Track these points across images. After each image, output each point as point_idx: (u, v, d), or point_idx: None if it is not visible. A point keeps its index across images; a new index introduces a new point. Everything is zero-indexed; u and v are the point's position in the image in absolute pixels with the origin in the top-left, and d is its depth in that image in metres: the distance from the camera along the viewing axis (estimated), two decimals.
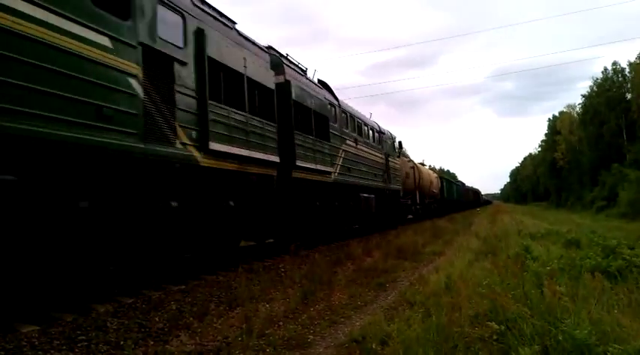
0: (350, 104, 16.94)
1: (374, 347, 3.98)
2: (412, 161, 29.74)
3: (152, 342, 4.54)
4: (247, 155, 8.60)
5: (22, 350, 4.14)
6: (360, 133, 16.50)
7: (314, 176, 11.74)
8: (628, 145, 52.37)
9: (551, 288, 4.32)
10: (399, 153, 23.24)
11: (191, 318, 5.31)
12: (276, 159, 9.72)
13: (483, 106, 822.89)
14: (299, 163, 10.75)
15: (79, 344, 4.34)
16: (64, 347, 4.25)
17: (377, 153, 18.41)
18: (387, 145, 20.40)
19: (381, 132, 19.71)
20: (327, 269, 8.18)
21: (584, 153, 64.17)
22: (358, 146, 15.88)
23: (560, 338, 3.28)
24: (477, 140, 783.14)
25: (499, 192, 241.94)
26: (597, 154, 57.91)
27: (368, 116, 19.03)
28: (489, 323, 4.00)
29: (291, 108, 10.72)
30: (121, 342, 4.43)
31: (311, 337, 4.77)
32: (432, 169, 39.96)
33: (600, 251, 7.06)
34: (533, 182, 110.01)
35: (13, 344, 4.24)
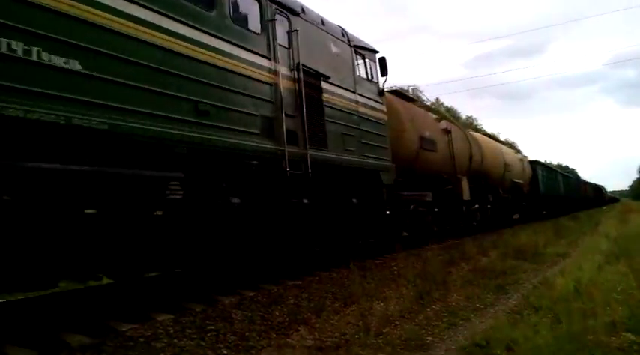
0: None
1: (499, 352, 3.80)
2: (449, 119, 17.31)
3: (274, 335, 4.72)
4: None
5: (159, 337, 4.49)
6: None
7: None
8: None
9: None
10: (382, 87, 10.67)
11: (309, 313, 5.43)
12: None
13: (602, 96, 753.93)
14: None
15: (208, 334, 4.62)
16: (195, 336, 4.55)
17: (257, 61, 6.70)
18: (334, 56, 8.88)
19: (289, 9, 7.66)
20: (440, 268, 7.96)
21: None
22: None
23: None
24: (598, 133, 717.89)
25: (627, 188, 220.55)
26: None
27: None
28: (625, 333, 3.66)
29: None
30: (246, 333, 4.65)
31: (430, 338, 4.65)
32: (552, 164, 32.75)
33: None
34: None
35: (150, 331, 4.63)
